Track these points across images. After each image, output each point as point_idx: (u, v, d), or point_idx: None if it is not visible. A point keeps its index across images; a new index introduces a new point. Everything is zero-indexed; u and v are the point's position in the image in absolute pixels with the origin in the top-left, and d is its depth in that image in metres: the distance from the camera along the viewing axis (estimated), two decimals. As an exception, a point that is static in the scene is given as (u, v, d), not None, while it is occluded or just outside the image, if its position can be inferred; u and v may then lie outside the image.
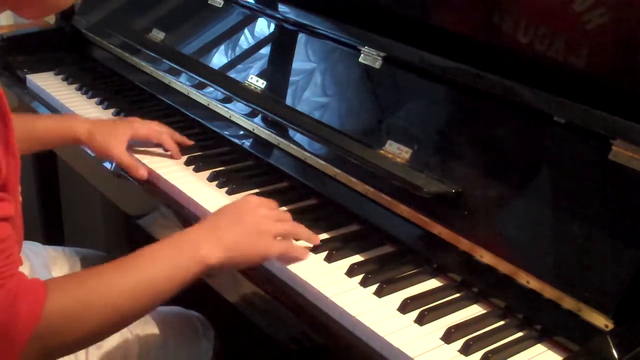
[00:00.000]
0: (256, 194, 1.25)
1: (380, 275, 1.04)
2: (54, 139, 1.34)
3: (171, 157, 1.37)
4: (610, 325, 0.88)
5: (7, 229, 0.81)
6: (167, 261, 0.91)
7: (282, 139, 1.30)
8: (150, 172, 1.32)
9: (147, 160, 1.36)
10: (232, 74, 1.49)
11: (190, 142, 1.41)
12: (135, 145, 1.38)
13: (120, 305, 0.87)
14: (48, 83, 1.72)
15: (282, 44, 1.47)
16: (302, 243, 1.09)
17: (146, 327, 1.22)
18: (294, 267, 1.05)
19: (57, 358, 0.90)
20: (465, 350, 0.92)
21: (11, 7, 0.92)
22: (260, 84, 1.41)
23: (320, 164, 1.22)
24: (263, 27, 1.52)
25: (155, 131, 1.38)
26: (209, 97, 1.47)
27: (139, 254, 0.91)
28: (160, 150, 1.40)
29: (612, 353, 0.84)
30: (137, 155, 1.37)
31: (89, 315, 0.84)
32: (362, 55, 1.27)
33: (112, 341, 1.16)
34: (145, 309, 0.91)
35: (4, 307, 0.78)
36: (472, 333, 0.94)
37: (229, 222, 0.99)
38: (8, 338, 0.78)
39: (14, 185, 0.88)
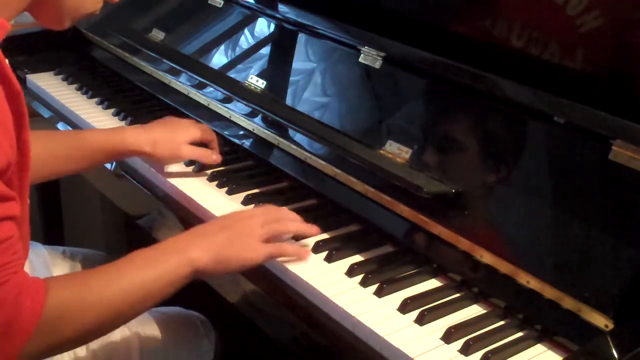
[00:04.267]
0: (256, 194, 1.25)
1: (380, 275, 1.04)
2: (106, 154, 1.26)
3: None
4: (610, 325, 0.88)
5: (13, 228, 0.83)
6: (156, 264, 0.94)
7: (282, 139, 1.30)
8: (150, 173, 1.33)
9: (146, 162, 1.35)
10: (232, 74, 1.49)
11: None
12: None
13: (115, 304, 0.89)
14: (48, 83, 1.72)
15: (282, 44, 1.47)
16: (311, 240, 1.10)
17: (147, 328, 1.21)
18: (294, 268, 1.05)
19: (58, 354, 0.94)
20: (465, 350, 0.92)
21: (31, 10, 0.92)
22: (260, 84, 1.41)
23: (320, 164, 1.22)
24: (263, 27, 1.52)
25: (206, 131, 1.33)
26: (209, 97, 1.47)
27: (132, 257, 0.94)
28: None
29: (612, 353, 0.84)
30: (134, 159, 1.36)
31: (87, 312, 0.87)
32: (362, 55, 1.27)
33: (114, 342, 1.16)
34: (138, 308, 0.94)
35: (9, 302, 0.80)
36: (472, 333, 0.94)
37: (218, 229, 1.01)
38: (11, 332, 0.81)
39: (24, 185, 0.89)
